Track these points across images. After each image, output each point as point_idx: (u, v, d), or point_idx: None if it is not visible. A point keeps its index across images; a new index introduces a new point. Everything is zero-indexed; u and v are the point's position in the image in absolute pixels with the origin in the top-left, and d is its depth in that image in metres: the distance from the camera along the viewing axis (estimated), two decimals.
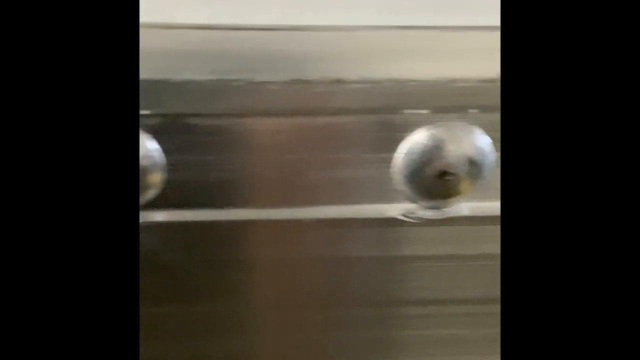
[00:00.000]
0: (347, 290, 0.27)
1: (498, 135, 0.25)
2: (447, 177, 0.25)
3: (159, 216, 0.25)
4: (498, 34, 0.22)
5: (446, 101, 0.25)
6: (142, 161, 0.23)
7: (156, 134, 0.23)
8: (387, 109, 0.24)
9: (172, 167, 0.24)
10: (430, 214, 0.26)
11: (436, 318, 0.27)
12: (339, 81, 0.24)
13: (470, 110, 0.25)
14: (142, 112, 0.23)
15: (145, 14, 0.20)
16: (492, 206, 0.26)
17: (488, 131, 0.25)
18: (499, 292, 0.27)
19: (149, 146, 0.23)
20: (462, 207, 0.26)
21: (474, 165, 0.25)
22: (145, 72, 0.23)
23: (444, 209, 0.26)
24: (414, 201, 0.26)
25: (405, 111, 0.25)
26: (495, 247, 0.26)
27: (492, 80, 0.24)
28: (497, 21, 0.22)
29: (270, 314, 0.27)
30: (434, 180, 0.25)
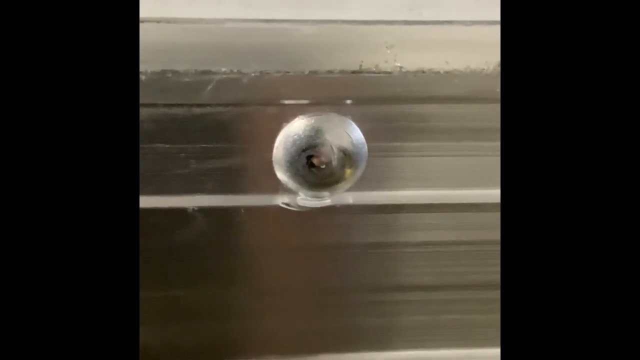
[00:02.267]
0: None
1: (371, 125, 0.25)
2: (320, 166, 0.25)
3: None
4: (362, 27, 0.23)
5: (322, 92, 0.25)
6: None
7: None
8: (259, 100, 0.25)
9: None
10: (311, 203, 0.27)
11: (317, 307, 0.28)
12: (207, 72, 0.24)
13: (346, 102, 0.25)
14: None
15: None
16: (377, 195, 0.27)
17: (361, 122, 0.25)
18: (384, 280, 0.28)
19: None
20: (348, 196, 0.27)
21: (347, 155, 0.25)
22: None
23: (327, 199, 0.27)
24: (295, 191, 0.26)
25: (284, 101, 0.25)
26: (378, 236, 0.27)
27: (359, 72, 0.24)
28: (363, 15, 0.23)
29: None
30: (308, 169, 0.26)
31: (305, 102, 0.25)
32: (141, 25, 0.23)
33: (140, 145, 0.25)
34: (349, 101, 0.25)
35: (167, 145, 0.25)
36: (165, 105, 0.25)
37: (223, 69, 0.24)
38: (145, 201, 0.26)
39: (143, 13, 0.23)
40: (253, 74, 0.24)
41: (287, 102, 0.25)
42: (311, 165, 0.25)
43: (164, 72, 0.24)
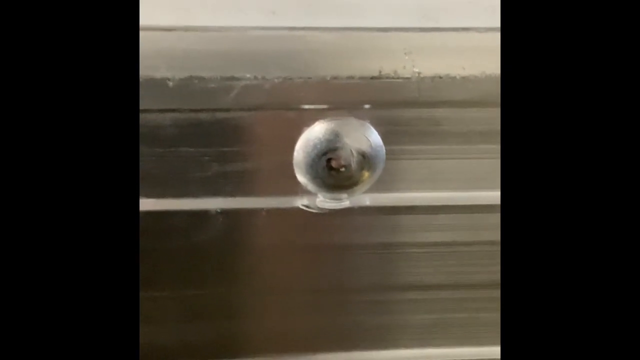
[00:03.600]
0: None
1: (388, 129, 0.26)
2: (340, 169, 0.26)
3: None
4: (381, 34, 0.24)
5: (342, 97, 0.26)
6: None
7: None
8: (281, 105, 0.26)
9: None
10: (330, 205, 0.28)
11: (335, 306, 0.29)
12: (231, 78, 0.25)
13: (365, 106, 0.26)
14: None
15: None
16: (393, 197, 0.28)
17: (379, 126, 0.26)
18: (397, 279, 0.29)
19: None
20: (364, 198, 0.28)
21: (365, 158, 0.26)
22: None
23: (346, 200, 0.28)
24: (314, 192, 0.27)
25: (303, 106, 0.26)
26: (392, 236, 0.28)
27: (378, 78, 0.25)
28: (381, 22, 0.24)
29: None
30: (328, 172, 0.26)
31: (325, 106, 0.26)
32: (168, 34, 0.24)
33: (165, 149, 0.26)
34: (367, 106, 0.26)
35: (191, 149, 0.26)
36: (190, 111, 0.25)
37: (247, 75, 0.25)
38: (169, 203, 0.27)
39: (170, 22, 0.24)
40: (275, 80, 0.25)
41: (307, 106, 0.26)
42: (331, 168, 0.26)
43: (190, 78, 0.25)
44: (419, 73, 0.25)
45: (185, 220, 0.27)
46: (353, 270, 0.28)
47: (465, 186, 0.28)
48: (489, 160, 0.27)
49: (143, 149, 0.26)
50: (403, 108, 0.26)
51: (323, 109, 0.26)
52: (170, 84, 0.25)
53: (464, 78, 0.25)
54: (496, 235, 0.28)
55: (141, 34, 0.24)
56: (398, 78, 0.25)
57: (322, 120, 0.26)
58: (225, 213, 0.27)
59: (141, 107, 0.25)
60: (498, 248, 0.29)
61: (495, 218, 0.28)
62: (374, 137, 0.26)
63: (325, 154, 0.26)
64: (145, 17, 0.24)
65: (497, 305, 0.30)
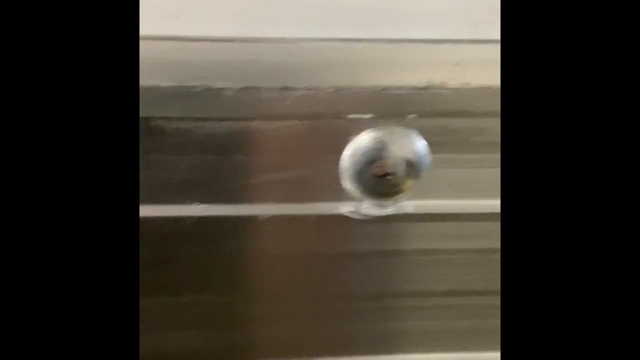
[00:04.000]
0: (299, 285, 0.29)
1: (433, 138, 0.27)
2: (387, 177, 0.27)
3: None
4: (432, 46, 0.25)
5: (387, 107, 0.27)
6: None
7: None
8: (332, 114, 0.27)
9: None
10: (375, 212, 0.28)
11: (377, 311, 0.29)
12: (286, 88, 0.26)
13: (409, 116, 0.27)
14: None
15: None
16: (434, 204, 0.29)
17: (424, 135, 0.27)
18: (441, 285, 0.29)
19: None
20: (407, 205, 0.29)
21: (411, 166, 0.27)
22: None
23: (389, 207, 0.29)
24: (359, 200, 0.28)
25: (350, 116, 0.27)
26: (435, 243, 0.29)
27: (425, 88, 0.26)
28: (432, 34, 0.25)
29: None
30: (376, 179, 0.27)
31: (372, 116, 0.27)
32: (227, 45, 0.25)
33: (219, 157, 0.27)
34: (413, 115, 0.27)
35: (243, 157, 0.27)
36: (245, 120, 0.26)
37: (301, 85, 0.26)
38: (221, 209, 0.28)
39: (231, 33, 0.25)
40: (328, 90, 0.26)
41: (356, 116, 0.27)
42: (377, 176, 0.27)
43: (246, 88, 0.26)
44: (466, 84, 0.26)
45: (235, 226, 0.28)
46: (396, 276, 0.29)
47: None
48: None
49: (196, 157, 0.27)
50: (449, 117, 0.27)
51: (371, 119, 0.27)
52: (230, 93, 0.26)
53: None
54: None
55: (199, 45, 0.25)
56: (446, 89, 0.26)
57: (370, 129, 0.27)
58: (274, 219, 0.28)
59: (198, 115, 0.26)
60: None
61: None
62: (419, 146, 0.27)
63: (372, 162, 0.27)
64: (204, 28, 0.25)
65: None
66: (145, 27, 0.23)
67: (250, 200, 0.28)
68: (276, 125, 0.26)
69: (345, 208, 0.28)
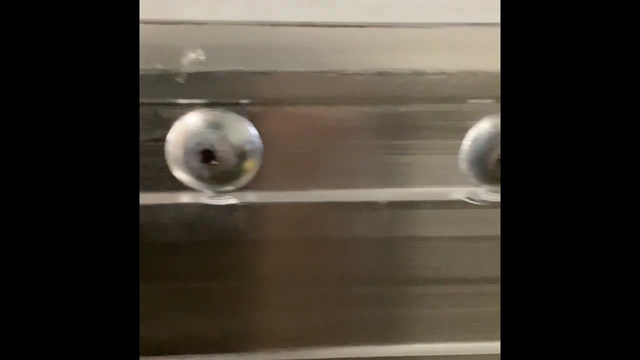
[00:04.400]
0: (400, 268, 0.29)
1: None
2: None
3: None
4: None
5: None
6: (245, 146, 0.25)
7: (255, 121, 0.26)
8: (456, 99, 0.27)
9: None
10: (492, 197, 0.29)
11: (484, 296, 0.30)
12: (417, 73, 0.26)
13: None
14: (242, 100, 0.25)
15: None
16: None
17: None
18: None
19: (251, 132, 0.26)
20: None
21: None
22: (245, 65, 0.25)
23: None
24: (477, 185, 0.28)
25: (471, 101, 0.27)
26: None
27: None
28: None
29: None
30: (498, 165, 0.28)
31: (491, 101, 0.27)
32: (361, 30, 0.25)
33: (343, 142, 0.27)
34: None
35: (369, 142, 0.27)
36: (373, 104, 0.26)
37: (433, 70, 0.26)
38: (337, 195, 0.27)
39: (362, 19, 0.25)
40: (460, 74, 0.26)
41: (477, 101, 0.27)
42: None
43: (380, 73, 0.26)
44: None
45: (351, 212, 0.28)
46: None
47: None
48: None
49: (323, 140, 0.26)
50: None
51: (491, 103, 0.27)
52: (361, 78, 0.25)
53: None
54: None
55: (334, 30, 0.25)
56: None
57: (490, 115, 0.27)
58: (392, 204, 0.28)
59: (333, 102, 0.26)
60: None
61: None
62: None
63: (494, 147, 0.27)
64: (340, 14, 0.24)
65: None
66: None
67: (367, 185, 0.27)
68: (404, 109, 0.26)
69: (462, 194, 0.28)
